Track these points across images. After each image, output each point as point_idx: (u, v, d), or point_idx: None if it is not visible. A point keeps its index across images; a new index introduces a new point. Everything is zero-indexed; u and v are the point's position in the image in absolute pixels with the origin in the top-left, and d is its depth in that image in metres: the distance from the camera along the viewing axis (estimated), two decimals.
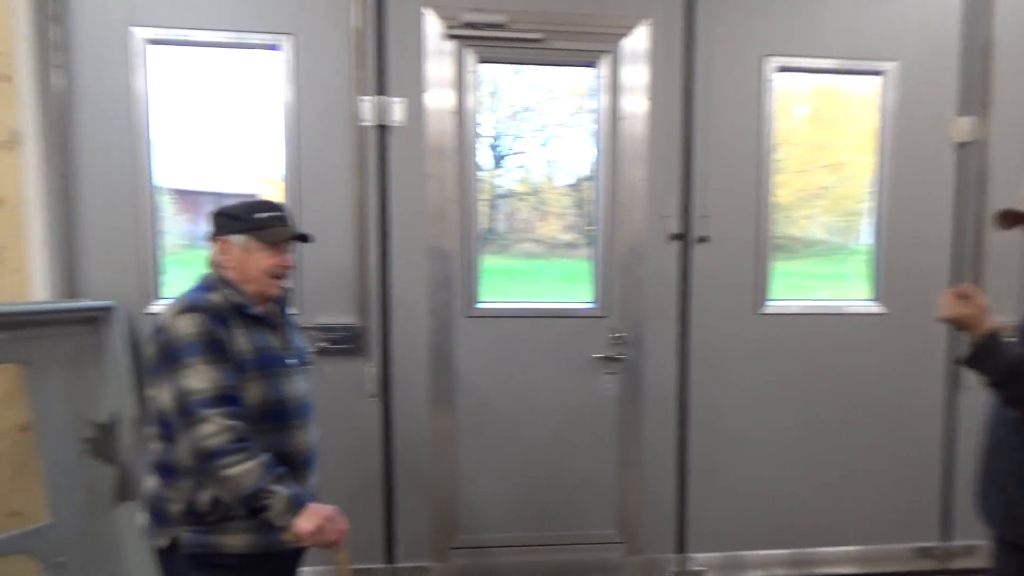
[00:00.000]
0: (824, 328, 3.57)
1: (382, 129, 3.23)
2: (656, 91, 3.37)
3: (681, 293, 3.47)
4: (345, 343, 3.27)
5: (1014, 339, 1.98)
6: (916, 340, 3.59)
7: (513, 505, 3.47)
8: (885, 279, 3.59)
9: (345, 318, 3.28)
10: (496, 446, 3.43)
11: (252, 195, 3.30)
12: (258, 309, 2.08)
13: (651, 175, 3.40)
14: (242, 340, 1.99)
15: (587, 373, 3.45)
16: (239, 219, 2.09)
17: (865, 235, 3.66)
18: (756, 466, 3.58)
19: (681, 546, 3.57)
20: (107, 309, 3.00)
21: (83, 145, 3.10)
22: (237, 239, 2.07)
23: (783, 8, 3.43)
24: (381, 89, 3.22)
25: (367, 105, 3.20)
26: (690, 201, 3.43)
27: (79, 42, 3.06)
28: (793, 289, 3.62)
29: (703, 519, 3.57)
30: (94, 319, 3.00)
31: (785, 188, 3.58)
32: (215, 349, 1.92)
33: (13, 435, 3.03)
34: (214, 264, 2.11)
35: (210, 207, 2.20)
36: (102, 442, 2.98)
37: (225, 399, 1.89)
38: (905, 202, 3.56)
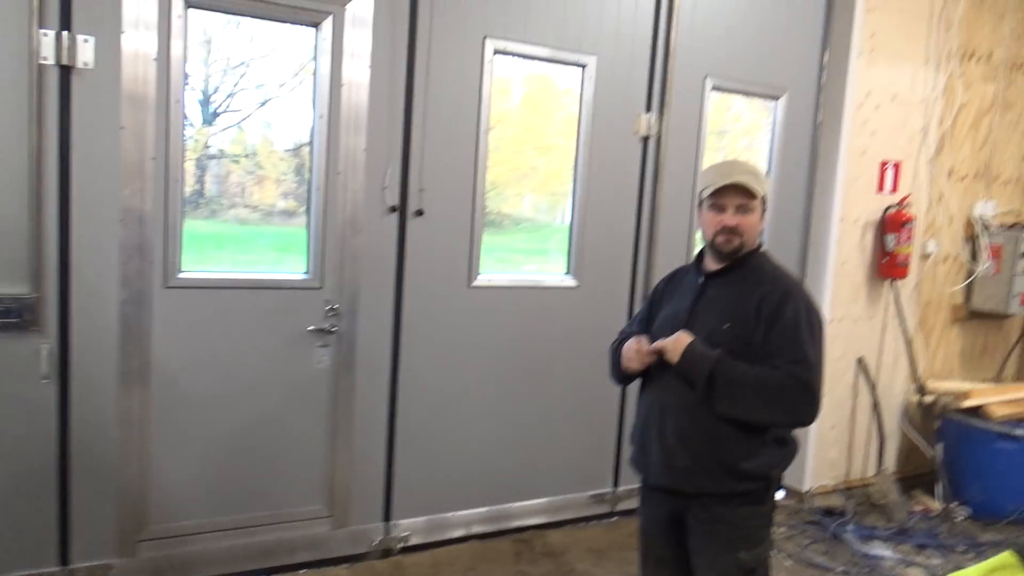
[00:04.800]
0: (527, 300, 3.83)
1: (66, 70, 2.75)
2: (379, 60, 3.30)
3: (397, 265, 3.48)
4: (13, 316, 2.78)
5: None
6: (602, 311, 4.00)
7: (214, 489, 3.24)
8: (577, 256, 3.94)
9: (13, 287, 2.77)
10: (197, 427, 3.17)
11: None
12: None
13: (371, 145, 3.33)
14: None
15: (300, 346, 3.32)
16: None
17: (566, 214, 3.97)
18: (461, 432, 3.75)
19: (387, 514, 3.63)
20: None
21: None
22: None
23: None
24: (66, 23, 2.73)
25: (48, 40, 2.70)
26: (408, 174, 3.44)
27: None
28: (502, 263, 3.82)
29: (409, 486, 3.66)
30: None
31: (498, 167, 3.74)
32: None
33: None
34: None
35: None
36: None
37: None
38: (597, 187, 3.92)
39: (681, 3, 3.97)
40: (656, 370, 2.33)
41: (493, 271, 3.74)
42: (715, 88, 4.19)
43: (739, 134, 4.59)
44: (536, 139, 3.92)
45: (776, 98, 4.43)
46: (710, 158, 4.22)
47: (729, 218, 2.24)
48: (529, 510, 3.98)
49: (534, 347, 3.87)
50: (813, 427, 4.59)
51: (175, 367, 3.10)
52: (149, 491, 3.12)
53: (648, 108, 3.99)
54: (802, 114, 4.52)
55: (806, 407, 2.17)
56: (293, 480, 3.40)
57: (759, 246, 2.36)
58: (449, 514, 3.78)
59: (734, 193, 2.23)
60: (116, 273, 2.94)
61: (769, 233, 4.52)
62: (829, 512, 4.45)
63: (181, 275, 3.07)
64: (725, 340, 2.20)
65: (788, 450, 2.31)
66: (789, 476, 4.56)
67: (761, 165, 4.51)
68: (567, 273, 3.95)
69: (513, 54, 3.63)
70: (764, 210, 2.30)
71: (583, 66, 3.80)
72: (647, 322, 2.48)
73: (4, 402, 2.79)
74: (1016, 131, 5.19)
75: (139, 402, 3.05)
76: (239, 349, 3.21)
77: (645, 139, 4.01)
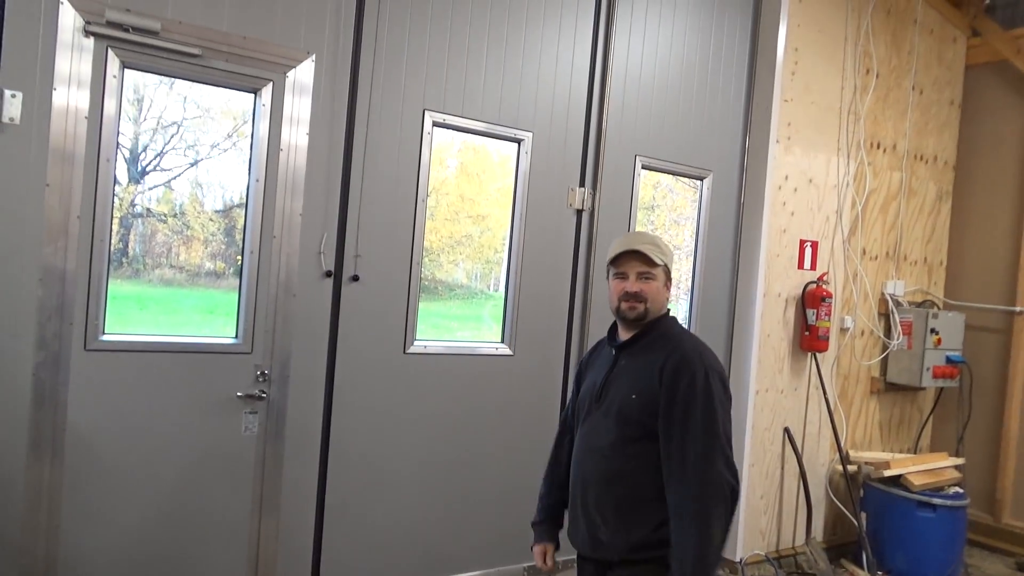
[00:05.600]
0: (462, 367, 3.81)
1: None
2: (318, 127, 3.33)
3: (331, 330, 3.44)
4: None
5: None
6: (537, 379, 4.02)
7: (129, 564, 3.05)
8: (511, 324, 3.96)
9: None
10: (114, 498, 3.00)
11: None
12: None
13: (307, 209, 3.33)
14: None
15: (227, 413, 3.22)
16: None
17: (499, 282, 4.01)
18: (393, 500, 3.66)
19: None
20: None
21: None
22: None
23: (441, 68, 3.64)
24: None
25: None
26: (345, 239, 3.44)
27: None
28: (437, 329, 3.81)
29: (339, 557, 3.52)
30: None
31: (433, 234, 3.77)
32: None
33: None
34: None
35: None
36: None
37: None
38: (532, 256, 3.98)
39: (612, 86, 4.16)
40: (579, 437, 2.41)
41: (428, 337, 3.73)
42: (644, 167, 4.36)
43: (668, 209, 4.76)
44: (471, 207, 3.99)
45: (702, 178, 4.63)
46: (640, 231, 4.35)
47: (631, 284, 2.31)
48: None
49: (469, 416, 3.84)
50: (743, 498, 4.67)
51: (92, 433, 2.95)
52: (57, 567, 2.91)
53: (582, 183, 4.11)
54: (727, 193, 4.72)
55: (718, 491, 2.13)
56: (216, 552, 3.24)
57: (667, 313, 2.41)
58: None
59: (636, 261, 2.31)
60: (32, 334, 2.81)
61: (697, 306, 4.66)
62: None
63: (103, 337, 2.96)
64: (634, 411, 2.24)
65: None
66: None
67: (688, 240, 4.68)
68: (502, 341, 3.97)
69: (451, 127, 3.72)
70: (668, 279, 2.38)
71: (519, 141, 3.91)
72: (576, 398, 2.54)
73: None
74: (921, 215, 5.53)
75: (51, 471, 2.88)
76: (163, 415, 3.08)
77: (579, 212, 4.12)
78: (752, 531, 4.73)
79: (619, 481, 2.26)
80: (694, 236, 4.69)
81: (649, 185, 4.52)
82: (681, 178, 4.66)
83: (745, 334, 4.73)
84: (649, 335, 2.34)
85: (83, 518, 2.96)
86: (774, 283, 4.74)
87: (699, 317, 4.68)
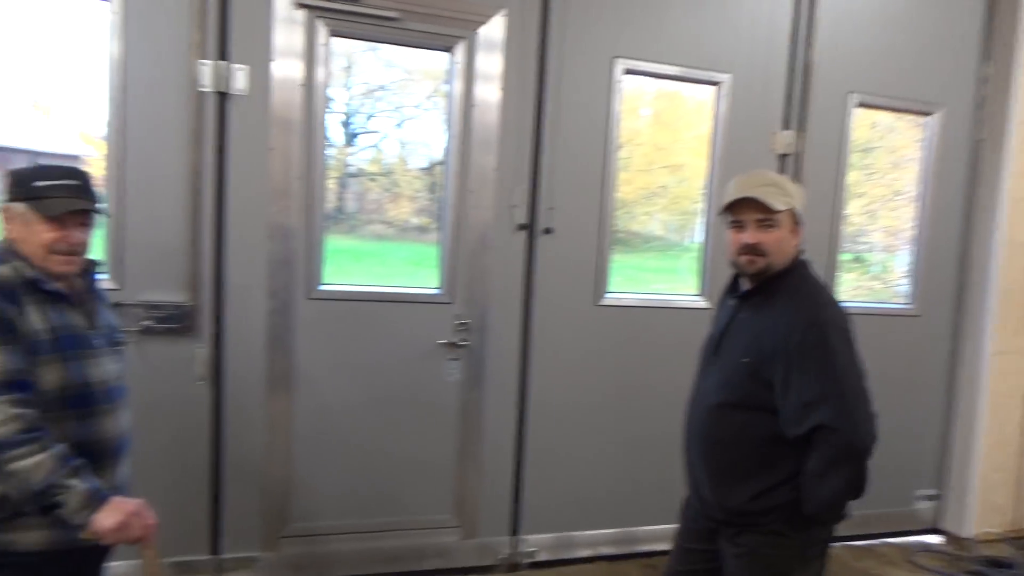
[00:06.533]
0: (656, 320, 3.77)
1: (222, 97, 3.02)
2: (510, 81, 3.40)
3: (525, 282, 3.53)
4: (173, 322, 3.05)
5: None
6: None
7: (349, 492, 3.39)
8: (711, 276, 3.83)
9: (174, 295, 3.05)
10: (333, 432, 3.34)
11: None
12: (56, 284, 1.87)
13: (501, 164, 3.42)
14: (36, 319, 1.80)
15: (430, 359, 3.43)
16: (20, 185, 1.87)
17: (697, 234, 3.89)
18: (589, 451, 3.72)
19: (515, 529, 3.65)
20: None
21: None
22: (17, 207, 1.86)
23: (632, 13, 3.56)
24: (223, 54, 3.01)
25: (207, 70, 2.98)
26: (537, 192, 3.50)
27: None
28: (630, 282, 3.79)
29: (537, 502, 3.66)
30: None
31: (627, 185, 3.73)
32: (2, 329, 1.73)
33: None
34: (5, 233, 1.89)
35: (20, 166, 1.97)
36: None
37: (13, 385, 1.71)
38: None
39: (821, 18, 3.84)
40: (694, 386, 2.30)
41: (621, 290, 3.71)
42: (860, 104, 4.00)
43: (886, 151, 4.34)
44: (665, 157, 3.89)
45: (929, 114, 4.17)
46: (854, 176, 4.02)
47: (749, 235, 2.05)
48: (658, 535, 3.86)
49: (664, 368, 3.79)
50: (975, 468, 4.23)
51: (315, 374, 3.28)
52: (291, 491, 3.30)
53: (786, 125, 3.86)
54: (958, 130, 4.22)
55: (857, 444, 1.94)
56: (423, 489, 3.50)
57: (796, 263, 2.13)
58: (576, 533, 3.75)
59: (751, 208, 2.04)
60: (264, 284, 3.17)
61: (921, 257, 4.23)
62: (994, 563, 4.03)
63: (322, 287, 3.26)
64: (743, 377, 2.06)
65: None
66: (948, 520, 4.26)
67: (909, 185, 4.25)
68: (700, 294, 3.86)
69: (643, 73, 3.63)
70: (796, 223, 2.09)
71: (717, 83, 3.74)
72: None
73: (165, 400, 3.05)
74: None
75: (283, 405, 3.25)
76: (374, 358, 3.36)
77: (783, 157, 3.88)
78: (986, 506, 4.28)
79: (719, 446, 2.13)
80: (918, 179, 4.24)
81: (864, 125, 4.13)
82: (903, 115, 4.22)
83: (980, 289, 4.24)
84: (772, 289, 2.08)
85: (310, 447, 3.31)
86: (1018, 230, 4.18)
87: (923, 269, 4.25)
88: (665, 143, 3.90)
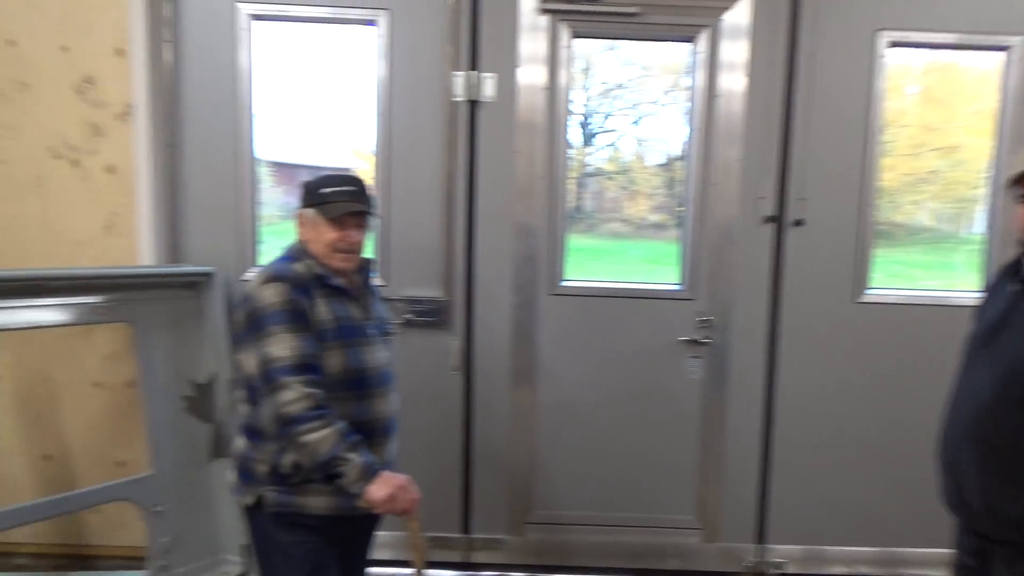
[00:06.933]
0: (929, 320, 3.38)
1: (473, 104, 3.23)
2: (756, 68, 3.24)
3: (773, 278, 3.36)
4: (430, 316, 3.32)
5: None
6: None
7: (589, 484, 3.47)
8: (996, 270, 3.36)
9: (431, 291, 3.32)
10: (575, 424, 3.43)
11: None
12: (339, 280, 2.11)
13: (746, 155, 3.28)
14: (323, 310, 2.04)
15: (671, 356, 3.39)
16: (309, 193, 2.14)
17: (978, 223, 3.43)
18: (844, 459, 3.45)
19: (761, 537, 3.50)
20: (207, 275, 3.15)
21: (189, 117, 3.23)
22: (308, 212, 2.13)
23: None
24: (474, 64, 3.22)
25: (459, 80, 3.20)
26: (787, 183, 3.30)
27: (188, 17, 3.18)
28: (894, 278, 3.44)
29: (785, 511, 3.47)
30: (195, 284, 3.15)
31: (890, 172, 3.39)
32: (297, 318, 1.98)
33: (121, 390, 3.24)
34: (299, 235, 2.17)
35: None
36: (200, 401, 3.14)
37: (306, 367, 1.95)
38: None
39: None
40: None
41: (885, 286, 3.39)
42: None
43: None
44: (937, 139, 3.46)
45: None
46: None
47: None
48: (930, 559, 3.48)
49: (936, 372, 3.37)
50: None
51: (557, 368, 3.39)
52: (535, 479, 3.45)
53: None
54: None
55: None
56: (663, 486, 3.47)
57: None
58: (830, 548, 3.50)
59: None
60: (510, 280, 3.34)
61: None
62: None
63: (563, 283, 3.36)
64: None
65: None
66: None
67: None
68: (981, 291, 3.39)
69: (912, 44, 3.27)
70: None
71: (1007, 48, 3.26)
72: None
73: (424, 387, 3.33)
74: None
75: (527, 396, 3.40)
76: (614, 354, 3.39)
77: None
78: None
79: (988, 449, 1.81)
80: None
81: None
82: None
83: None
84: None
85: (552, 439, 3.43)
86: None
87: None
88: (937, 123, 3.47)
